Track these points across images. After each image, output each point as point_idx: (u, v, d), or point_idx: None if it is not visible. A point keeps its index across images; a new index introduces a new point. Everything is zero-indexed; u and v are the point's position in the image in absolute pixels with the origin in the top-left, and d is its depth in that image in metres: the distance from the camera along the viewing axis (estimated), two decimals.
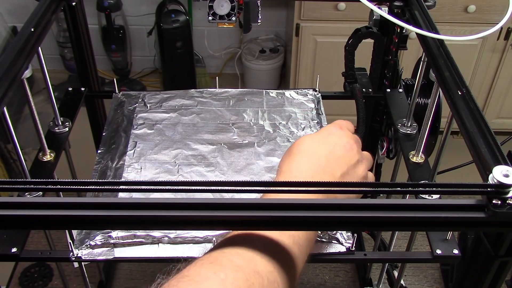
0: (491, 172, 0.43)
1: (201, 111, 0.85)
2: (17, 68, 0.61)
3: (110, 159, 0.77)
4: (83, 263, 0.86)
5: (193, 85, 2.34)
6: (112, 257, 0.64)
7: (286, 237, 0.47)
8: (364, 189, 0.48)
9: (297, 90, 0.91)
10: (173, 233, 0.65)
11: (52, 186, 0.42)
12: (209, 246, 0.65)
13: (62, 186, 0.42)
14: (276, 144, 0.79)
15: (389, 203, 0.42)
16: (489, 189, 0.42)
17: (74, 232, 0.73)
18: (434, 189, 0.49)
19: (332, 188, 0.44)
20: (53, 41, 2.46)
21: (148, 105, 0.86)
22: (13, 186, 0.42)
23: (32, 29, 0.66)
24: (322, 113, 0.86)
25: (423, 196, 0.63)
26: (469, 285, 0.55)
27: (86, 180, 0.43)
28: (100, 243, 0.64)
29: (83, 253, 0.64)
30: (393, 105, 0.87)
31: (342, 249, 0.66)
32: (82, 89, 0.91)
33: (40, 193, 0.63)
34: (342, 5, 1.96)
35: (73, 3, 0.83)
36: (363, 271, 1.08)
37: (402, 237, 1.11)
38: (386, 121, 0.96)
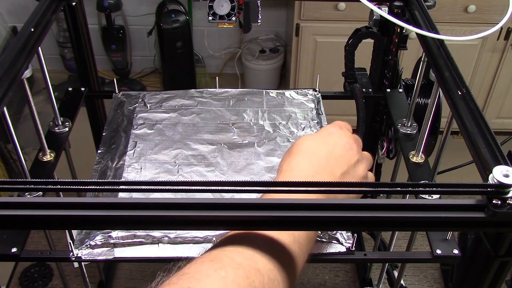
0: (491, 172, 0.43)
1: (201, 111, 0.85)
2: (17, 68, 0.61)
3: (110, 159, 0.77)
4: (83, 263, 0.86)
5: (193, 85, 2.34)
6: (112, 257, 0.64)
7: (286, 236, 0.47)
8: (364, 189, 0.48)
9: (297, 90, 0.91)
10: (173, 233, 0.65)
11: (52, 186, 0.42)
12: (209, 246, 0.64)
13: (62, 186, 0.42)
14: (276, 144, 0.79)
15: (389, 203, 0.42)
16: (489, 189, 0.42)
17: (74, 232, 0.73)
18: (434, 189, 0.49)
19: (332, 188, 0.44)
20: (53, 41, 2.46)
21: (148, 105, 0.86)
22: (13, 186, 0.42)
23: (32, 29, 0.66)
24: (322, 113, 0.86)
25: (423, 196, 0.63)
26: (469, 285, 0.55)
27: (86, 180, 0.43)
28: (100, 243, 0.64)
29: (83, 253, 0.64)
30: (393, 105, 0.87)
31: (342, 249, 0.66)
32: (82, 89, 0.91)
33: (40, 193, 0.63)
34: (342, 5, 1.96)
35: (73, 3, 0.83)
36: (363, 271, 1.08)
37: (402, 237, 1.11)
38: (386, 121, 0.96)
